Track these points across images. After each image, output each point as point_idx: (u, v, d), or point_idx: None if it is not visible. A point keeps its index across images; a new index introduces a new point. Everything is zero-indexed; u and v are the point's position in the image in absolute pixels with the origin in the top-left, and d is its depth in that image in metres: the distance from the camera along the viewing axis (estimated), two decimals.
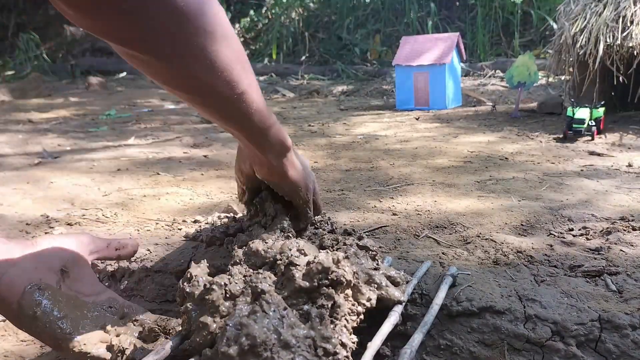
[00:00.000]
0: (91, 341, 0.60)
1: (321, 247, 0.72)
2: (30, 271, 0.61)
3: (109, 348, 0.60)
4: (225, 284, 0.58)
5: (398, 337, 0.67)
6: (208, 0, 0.57)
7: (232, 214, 1.04)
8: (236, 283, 0.59)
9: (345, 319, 0.58)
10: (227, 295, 0.58)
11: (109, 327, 0.62)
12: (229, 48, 0.61)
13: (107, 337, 0.61)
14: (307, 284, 0.57)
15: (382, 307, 0.64)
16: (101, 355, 0.60)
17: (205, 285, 0.59)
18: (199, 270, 0.62)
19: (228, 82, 0.61)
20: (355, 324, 0.59)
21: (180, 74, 0.60)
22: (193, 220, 1.09)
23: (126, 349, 0.60)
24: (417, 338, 0.58)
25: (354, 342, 0.56)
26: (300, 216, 0.83)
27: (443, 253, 0.86)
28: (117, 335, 0.62)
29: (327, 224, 0.87)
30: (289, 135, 0.77)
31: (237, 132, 0.71)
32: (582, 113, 1.91)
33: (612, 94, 2.41)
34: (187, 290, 0.60)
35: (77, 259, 0.68)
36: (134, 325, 0.66)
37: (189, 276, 0.62)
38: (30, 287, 0.60)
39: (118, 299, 0.68)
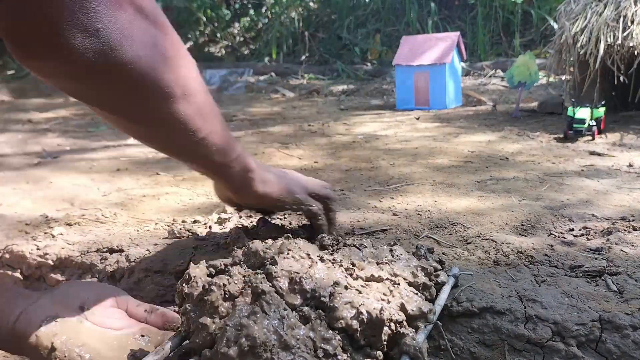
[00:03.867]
0: None
1: (321, 247, 0.72)
2: (47, 307, 0.61)
3: None
4: (224, 285, 0.58)
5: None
6: (172, 59, 0.59)
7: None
8: (235, 283, 0.59)
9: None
10: (226, 296, 0.58)
11: (137, 354, 0.60)
12: (189, 105, 0.63)
13: None
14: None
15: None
16: None
17: (204, 286, 0.59)
18: (198, 271, 0.62)
19: (186, 133, 0.64)
20: None
21: (137, 126, 0.64)
22: (193, 220, 1.08)
23: None
24: (420, 338, 0.58)
25: None
26: (315, 225, 0.85)
27: (443, 253, 0.86)
28: None
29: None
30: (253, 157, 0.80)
31: (200, 169, 0.75)
32: (583, 113, 1.91)
33: (613, 93, 2.41)
34: (186, 291, 0.60)
35: (99, 297, 0.65)
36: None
37: (187, 277, 0.62)
38: (47, 319, 0.59)
39: (152, 330, 0.65)
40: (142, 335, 0.63)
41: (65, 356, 0.57)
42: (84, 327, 0.60)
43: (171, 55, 0.60)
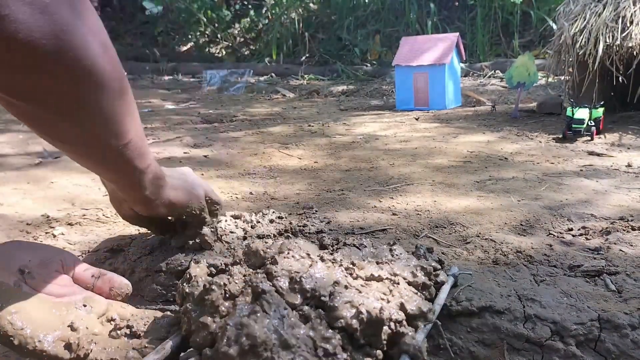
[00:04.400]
0: (48, 338, 0.55)
1: (321, 246, 0.72)
2: None
3: (67, 346, 0.56)
4: (225, 284, 0.58)
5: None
6: (106, 52, 0.53)
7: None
8: (236, 283, 0.59)
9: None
10: (227, 295, 0.58)
11: (75, 324, 0.57)
12: (124, 102, 0.58)
13: (70, 335, 0.57)
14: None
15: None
16: (58, 354, 0.55)
17: (204, 285, 0.59)
18: (199, 271, 0.62)
19: (117, 134, 0.59)
20: None
21: (68, 126, 0.55)
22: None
23: (87, 348, 0.57)
24: (419, 337, 0.58)
25: None
26: (195, 224, 0.82)
27: (442, 253, 0.86)
28: (76, 332, 0.57)
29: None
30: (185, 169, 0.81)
31: (115, 177, 0.69)
32: (582, 113, 1.91)
33: (612, 94, 2.41)
34: (187, 290, 0.60)
35: (43, 260, 0.62)
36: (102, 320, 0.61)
37: (188, 276, 0.62)
38: None
39: (96, 298, 0.63)
40: (84, 305, 0.61)
41: None
42: (20, 292, 0.57)
43: (109, 45, 0.54)
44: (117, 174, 0.68)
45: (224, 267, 0.65)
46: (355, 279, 0.61)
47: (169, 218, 0.84)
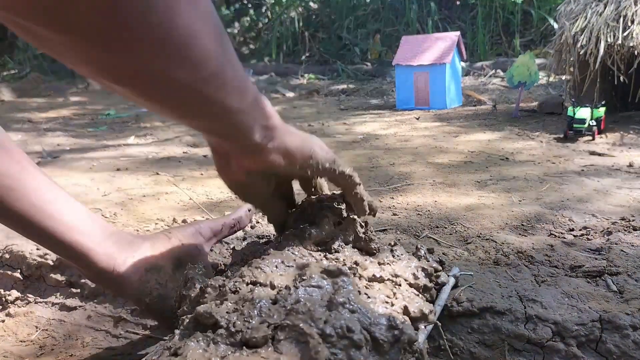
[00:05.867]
0: None
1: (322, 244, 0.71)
2: (147, 255, 0.67)
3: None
4: (221, 286, 0.58)
5: None
6: None
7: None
8: (234, 284, 0.59)
9: None
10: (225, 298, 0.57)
11: None
12: (198, 15, 0.40)
13: None
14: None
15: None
16: None
17: (201, 287, 0.59)
18: (195, 273, 0.62)
19: (192, 60, 0.41)
20: None
21: (107, 56, 0.38)
22: (193, 220, 1.08)
23: None
24: (420, 339, 0.58)
25: None
26: (353, 199, 0.67)
27: (443, 253, 0.85)
28: None
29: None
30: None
31: (208, 123, 0.53)
32: (583, 113, 1.91)
33: (613, 93, 2.41)
34: (184, 292, 0.60)
35: (191, 249, 0.71)
36: None
37: (185, 278, 0.61)
38: (149, 268, 0.66)
39: None
40: None
41: (160, 304, 0.65)
42: (175, 278, 0.67)
43: None
44: (209, 119, 0.51)
45: (223, 268, 0.64)
46: (359, 279, 0.60)
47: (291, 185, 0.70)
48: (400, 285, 0.61)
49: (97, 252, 0.63)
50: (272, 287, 0.54)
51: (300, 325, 0.48)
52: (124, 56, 0.37)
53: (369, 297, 0.56)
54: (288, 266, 0.58)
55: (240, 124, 0.52)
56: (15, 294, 0.92)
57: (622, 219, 1.00)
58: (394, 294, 0.59)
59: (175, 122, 0.61)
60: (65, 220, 0.62)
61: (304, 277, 0.56)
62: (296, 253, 0.61)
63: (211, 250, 0.87)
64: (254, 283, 0.55)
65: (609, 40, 2.03)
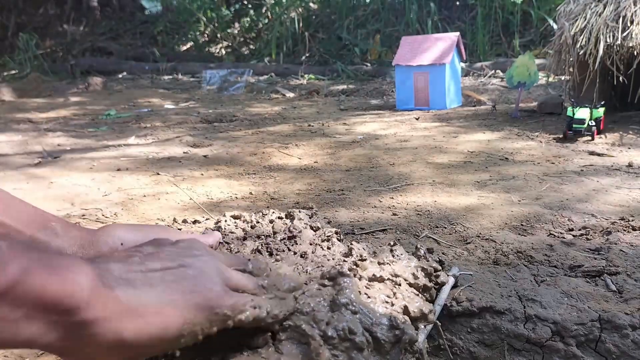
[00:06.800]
0: None
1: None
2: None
3: None
4: None
5: None
6: None
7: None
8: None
9: None
10: None
11: None
12: None
13: None
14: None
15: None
16: None
17: None
18: None
19: None
20: None
21: None
22: (193, 220, 1.08)
23: None
24: (420, 338, 0.58)
25: None
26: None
27: (443, 253, 0.86)
28: None
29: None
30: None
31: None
32: (582, 113, 1.91)
33: (612, 94, 2.41)
34: None
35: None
36: None
37: None
38: None
39: None
40: None
41: None
42: None
43: None
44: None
45: None
46: (360, 279, 0.61)
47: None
48: (400, 285, 0.62)
49: None
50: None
51: (302, 326, 0.48)
52: None
53: (369, 297, 0.57)
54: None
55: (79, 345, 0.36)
56: None
57: (622, 219, 1.00)
58: (394, 293, 0.60)
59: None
60: None
61: (306, 282, 0.56)
62: None
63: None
64: None
65: (608, 40, 2.03)
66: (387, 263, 0.65)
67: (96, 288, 0.36)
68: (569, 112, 1.95)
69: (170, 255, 0.43)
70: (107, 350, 0.36)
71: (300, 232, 0.72)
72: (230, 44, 6.68)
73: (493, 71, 4.24)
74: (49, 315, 0.33)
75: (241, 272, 0.48)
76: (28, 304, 0.33)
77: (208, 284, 0.41)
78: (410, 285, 0.63)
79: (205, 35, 6.95)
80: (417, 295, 0.63)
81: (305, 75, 5.07)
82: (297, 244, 0.68)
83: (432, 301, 0.66)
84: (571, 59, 2.20)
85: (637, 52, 1.99)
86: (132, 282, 0.38)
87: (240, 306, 0.43)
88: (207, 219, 1.09)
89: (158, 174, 1.60)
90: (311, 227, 0.77)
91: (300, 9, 6.27)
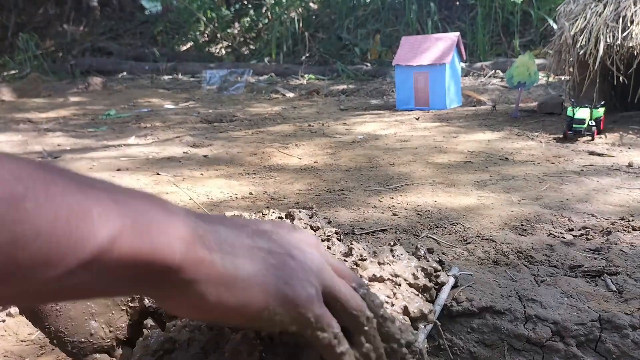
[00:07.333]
0: None
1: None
2: None
3: None
4: None
5: None
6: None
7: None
8: None
9: None
10: None
11: None
12: (41, 203, 0.30)
13: None
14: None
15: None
16: None
17: None
18: None
19: (70, 244, 0.31)
20: None
21: None
22: None
23: None
24: (420, 338, 0.58)
25: None
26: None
27: (443, 253, 0.86)
28: None
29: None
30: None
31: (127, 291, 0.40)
32: (582, 113, 1.91)
33: (612, 94, 2.41)
34: None
35: None
36: None
37: None
38: None
39: None
40: None
41: None
42: None
43: None
44: (113, 294, 0.42)
45: None
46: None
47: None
48: (400, 285, 0.61)
49: None
50: None
51: None
52: None
53: None
54: None
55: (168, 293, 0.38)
56: None
57: (622, 219, 1.00)
58: (394, 293, 0.60)
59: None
60: None
61: None
62: None
63: None
64: None
65: (608, 40, 2.03)
66: (387, 263, 0.65)
67: (191, 251, 0.36)
68: (569, 112, 1.95)
69: (282, 240, 0.42)
70: (188, 309, 0.38)
71: None
72: (230, 44, 6.68)
73: (493, 71, 4.24)
74: (137, 276, 0.35)
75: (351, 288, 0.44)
76: (117, 267, 0.34)
77: (304, 283, 0.40)
78: (410, 285, 0.63)
79: (205, 35, 6.96)
80: (417, 295, 0.62)
81: (305, 75, 5.07)
82: None
83: (432, 301, 0.66)
84: (571, 59, 2.20)
85: (637, 52, 1.99)
86: (235, 251, 0.39)
87: (324, 323, 0.40)
88: None
89: (158, 174, 1.60)
90: (311, 227, 0.77)
91: (300, 9, 6.27)
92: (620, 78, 2.07)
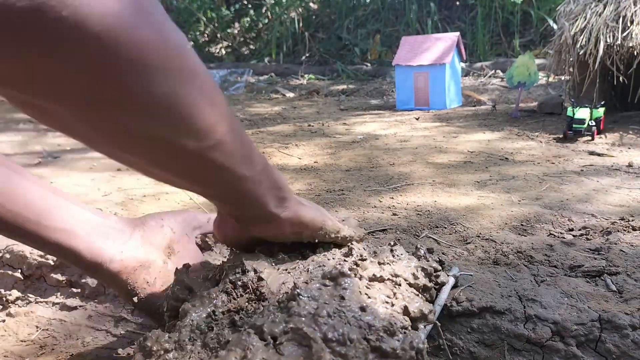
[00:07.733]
0: None
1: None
2: (138, 249, 0.65)
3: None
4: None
5: None
6: (141, 14, 0.34)
7: None
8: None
9: None
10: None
11: None
12: (193, 87, 0.39)
13: None
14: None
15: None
16: None
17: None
18: (184, 275, 0.62)
19: (194, 132, 0.41)
20: None
21: (112, 124, 0.37)
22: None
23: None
24: (420, 338, 0.58)
25: None
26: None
27: (443, 253, 0.86)
28: None
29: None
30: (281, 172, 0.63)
31: (216, 192, 0.53)
32: (582, 113, 1.91)
33: (612, 94, 2.41)
34: (173, 303, 0.60)
35: (181, 237, 0.70)
36: None
37: (174, 282, 0.62)
38: (138, 266, 0.64)
39: None
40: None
41: (149, 301, 0.64)
42: (166, 269, 0.66)
43: (146, 5, 0.35)
44: (216, 188, 0.52)
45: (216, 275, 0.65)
46: (360, 279, 0.61)
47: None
48: (400, 285, 0.61)
49: (80, 250, 0.61)
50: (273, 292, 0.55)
51: (304, 328, 0.48)
52: (129, 126, 0.38)
53: (369, 298, 0.57)
54: (290, 271, 0.59)
55: (252, 193, 0.52)
56: (15, 293, 0.92)
57: (622, 219, 1.00)
58: (394, 294, 0.60)
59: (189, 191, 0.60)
60: (49, 219, 0.59)
61: (306, 281, 0.56)
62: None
63: (210, 248, 0.88)
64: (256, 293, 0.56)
65: (608, 40, 2.03)
66: (387, 263, 0.65)
67: (285, 184, 0.57)
68: (569, 112, 1.95)
69: (313, 203, 0.64)
70: (291, 224, 0.58)
71: None
72: (230, 44, 6.68)
73: (493, 71, 4.24)
74: (273, 187, 0.54)
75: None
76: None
77: (327, 215, 0.64)
78: (410, 285, 0.63)
79: (205, 35, 6.95)
80: (417, 295, 0.62)
81: (305, 75, 5.07)
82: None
83: (432, 301, 0.66)
84: (571, 59, 2.20)
85: (637, 52, 1.99)
86: (300, 199, 0.61)
87: (339, 227, 0.65)
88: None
89: None
90: None
91: (300, 9, 6.27)
92: (620, 78, 2.07)
